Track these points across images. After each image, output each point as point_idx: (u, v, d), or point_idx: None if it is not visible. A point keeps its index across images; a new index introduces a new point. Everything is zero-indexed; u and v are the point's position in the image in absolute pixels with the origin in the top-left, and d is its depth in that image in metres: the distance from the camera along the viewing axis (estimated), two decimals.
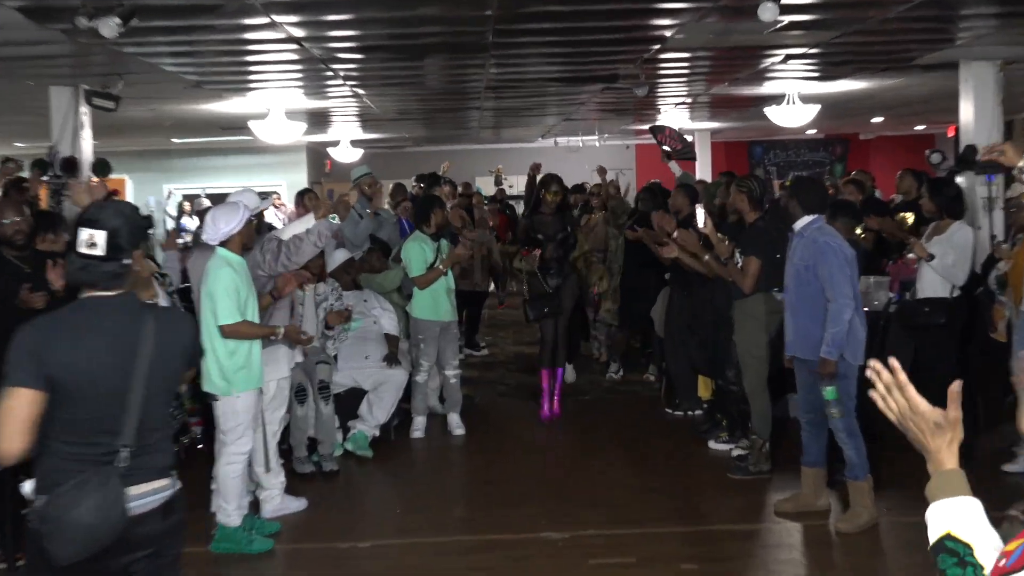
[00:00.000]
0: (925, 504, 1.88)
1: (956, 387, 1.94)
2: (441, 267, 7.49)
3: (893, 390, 1.98)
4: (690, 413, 8.01)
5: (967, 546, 1.78)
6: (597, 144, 20.41)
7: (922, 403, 1.95)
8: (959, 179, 7.47)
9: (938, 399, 1.95)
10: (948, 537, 1.81)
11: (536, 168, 8.95)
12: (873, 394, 1.99)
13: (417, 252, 7.55)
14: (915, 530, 5.43)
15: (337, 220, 5.65)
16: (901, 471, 6.12)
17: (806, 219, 5.50)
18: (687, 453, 7.11)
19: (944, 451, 1.93)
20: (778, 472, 6.36)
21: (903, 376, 1.97)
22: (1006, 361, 6.13)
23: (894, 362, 1.99)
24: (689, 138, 11.20)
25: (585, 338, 10.20)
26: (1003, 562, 1.66)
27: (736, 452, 6.73)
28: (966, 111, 8.50)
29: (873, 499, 5.52)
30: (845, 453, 5.49)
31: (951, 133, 12.30)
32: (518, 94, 11.03)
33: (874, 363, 1.99)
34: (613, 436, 7.62)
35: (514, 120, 15.09)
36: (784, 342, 5.75)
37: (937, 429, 1.93)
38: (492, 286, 12.86)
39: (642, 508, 5.94)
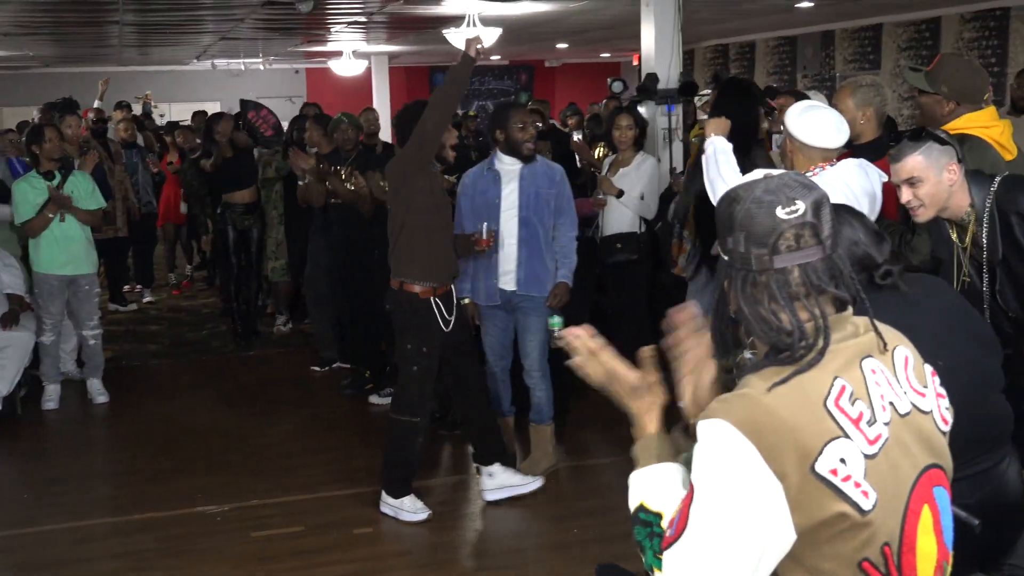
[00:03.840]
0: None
1: (647, 352, 2.07)
2: (48, 211, 7.12)
3: (590, 357, 2.08)
4: (336, 366, 8.19)
5: (658, 515, 1.89)
6: (262, 68, 20.01)
7: (618, 368, 2.06)
8: (640, 108, 7.97)
9: (634, 342, 2.08)
10: (641, 508, 1.93)
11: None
12: (573, 362, 2.10)
13: (23, 193, 7.22)
14: (595, 473, 5.91)
15: None
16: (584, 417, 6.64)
17: None
18: (356, 410, 7.25)
19: (646, 415, 2.03)
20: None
21: (597, 343, 2.08)
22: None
23: (587, 330, 2.11)
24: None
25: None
26: (669, 532, 1.82)
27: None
28: (647, 38, 9.02)
29: (555, 444, 5.82)
30: (534, 395, 5.68)
31: (636, 61, 13.04)
32: (164, 5, 10.54)
33: (572, 331, 2.10)
34: (281, 396, 7.65)
35: (163, 38, 14.44)
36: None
37: (635, 392, 2.04)
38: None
39: (310, 473, 6.04)
